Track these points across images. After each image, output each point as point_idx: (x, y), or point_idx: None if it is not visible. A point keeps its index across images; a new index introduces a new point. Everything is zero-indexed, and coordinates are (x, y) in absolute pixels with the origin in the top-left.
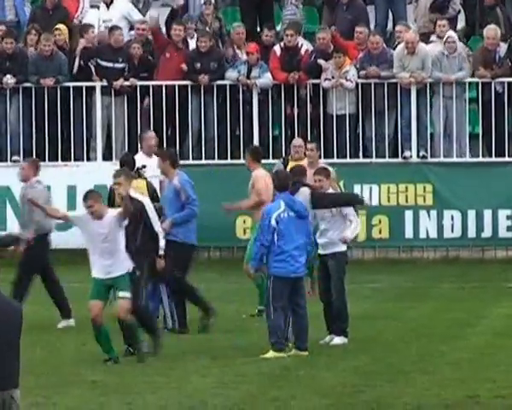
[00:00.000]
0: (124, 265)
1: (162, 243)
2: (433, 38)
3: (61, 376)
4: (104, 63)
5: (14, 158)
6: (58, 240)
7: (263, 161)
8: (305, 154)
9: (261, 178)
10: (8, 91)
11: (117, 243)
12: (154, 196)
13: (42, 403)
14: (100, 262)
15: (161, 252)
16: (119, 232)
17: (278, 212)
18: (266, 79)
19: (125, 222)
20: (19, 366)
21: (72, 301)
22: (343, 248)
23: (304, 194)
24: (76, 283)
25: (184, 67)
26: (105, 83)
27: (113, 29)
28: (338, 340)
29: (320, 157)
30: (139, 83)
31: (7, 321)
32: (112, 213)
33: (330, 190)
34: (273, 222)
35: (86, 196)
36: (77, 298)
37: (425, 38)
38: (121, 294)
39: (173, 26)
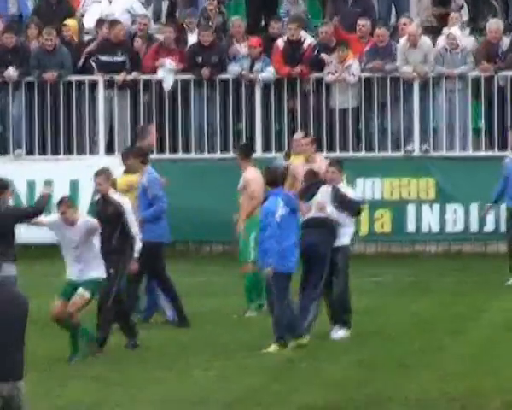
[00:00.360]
0: (97, 270)
1: (138, 246)
2: (445, 30)
3: (63, 369)
4: (104, 58)
5: (17, 152)
6: None
7: (266, 155)
8: None
9: (253, 180)
10: (10, 85)
11: (89, 251)
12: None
13: (45, 395)
14: (72, 265)
15: (136, 255)
16: (91, 240)
17: (280, 209)
18: (269, 73)
19: (98, 232)
20: (23, 358)
21: None
22: (347, 241)
23: (325, 192)
24: None
25: (171, 62)
26: (108, 77)
27: (112, 23)
28: (341, 333)
29: (322, 150)
30: (142, 77)
31: (13, 313)
32: (85, 220)
33: (343, 184)
34: (278, 220)
35: (60, 203)
36: None
37: (428, 31)
38: (81, 290)
39: (163, 28)
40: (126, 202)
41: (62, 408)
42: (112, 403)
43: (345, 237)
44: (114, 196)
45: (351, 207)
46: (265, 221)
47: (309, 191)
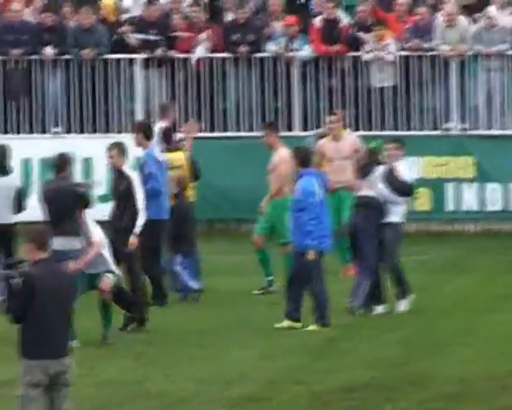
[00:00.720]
0: (111, 266)
1: (141, 221)
2: (490, 8)
3: (103, 347)
4: (138, 36)
5: (55, 130)
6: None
7: (305, 134)
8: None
9: (284, 162)
10: (48, 64)
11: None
12: (194, 168)
13: (86, 374)
14: None
15: (137, 230)
16: None
17: (318, 188)
18: (306, 52)
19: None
20: (69, 335)
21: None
22: (396, 219)
23: (380, 171)
24: None
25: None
26: (145, 55)
27: (148, 2)
28: (403, 305)
29: (359, 128)
30: (179, 55)
31: (64, 291)
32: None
33: (400, 162)
34: (318, 199)
35: None
36: None
37: (467, 10)
38: (108, 274)
39: (191, 7)
40: (136, 177)
41: (102, 386)
42: (151, 381)
43: (395, 215)
44: (127, 170)
45: (401, 189)
46: (306, 202)
47: (366, 169)
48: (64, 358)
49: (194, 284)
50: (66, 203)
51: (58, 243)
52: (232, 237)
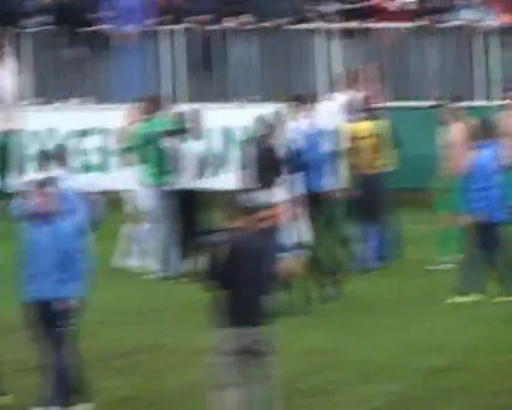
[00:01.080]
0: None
1: (277, 194)
2: None
3: (301, 316)
4: (317, 7)
5: (242, 99)
6: None
7: (489, 104)
8: None
9: (459, 136)
10: (230, 33)
11: None
12: (392, 136)
13: (286, 343)
14: None
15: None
16: None
17: (492, 161)
18: (492, 22)
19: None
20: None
21: None
22: None
23: None
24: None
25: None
26: (327, 25)
27: None
28: None
29: None
30: (370, 25)
31: (262, 259)
32: None
33: None
34: (491, 171)
35: None
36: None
37: None
38: (285, 254)
39: None
40: (279, 151)
41: (302, 354)
42: (348, 350)
43: None
44: (273, 143)
45: None
46: (479, 174)
47: None
48: (261, 326)
49: (371, 261)
50: (274, 160)
51: (266, 195)
52: (419, 206)
